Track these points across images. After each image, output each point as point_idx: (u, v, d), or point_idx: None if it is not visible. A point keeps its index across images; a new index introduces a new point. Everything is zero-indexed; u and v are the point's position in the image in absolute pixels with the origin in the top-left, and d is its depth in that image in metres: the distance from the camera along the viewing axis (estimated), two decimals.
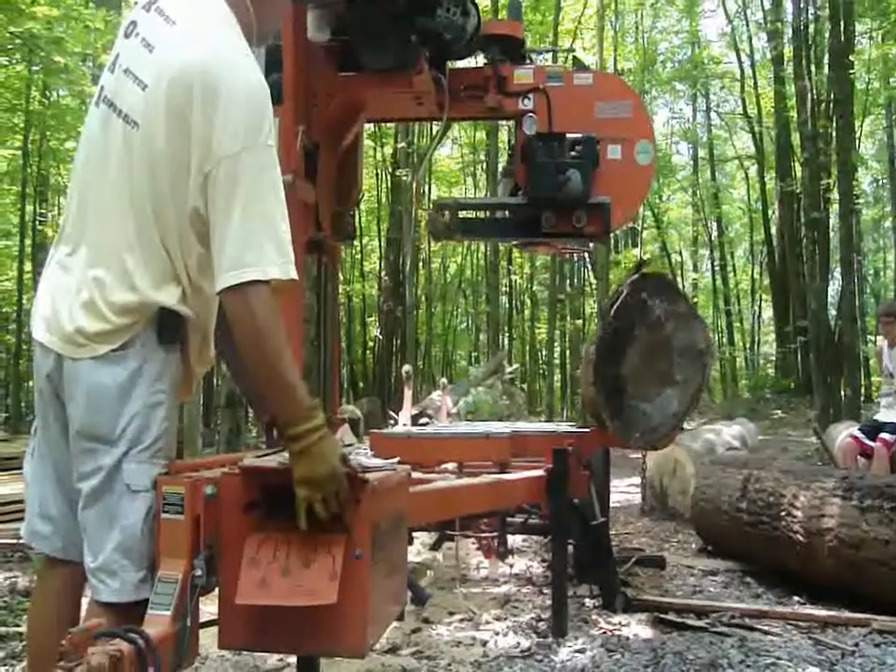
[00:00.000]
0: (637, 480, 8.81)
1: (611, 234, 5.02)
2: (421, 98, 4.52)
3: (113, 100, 2.12)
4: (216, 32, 2.09)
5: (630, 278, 4.69)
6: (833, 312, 21.07)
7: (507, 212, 4.94)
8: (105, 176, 2.11)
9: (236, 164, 1.98)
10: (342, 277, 27.76)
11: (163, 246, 2.08)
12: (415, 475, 3.49)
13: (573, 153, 4.58)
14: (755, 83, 26.96)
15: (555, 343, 27.91)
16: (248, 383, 3.03)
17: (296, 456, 2.00)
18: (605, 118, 4.63)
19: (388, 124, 23.21)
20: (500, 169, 6.13)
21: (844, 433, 8.24)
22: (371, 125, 25.62)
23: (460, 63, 5.11)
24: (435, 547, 5.88)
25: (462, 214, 4.91)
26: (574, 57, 5.94)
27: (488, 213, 5.24)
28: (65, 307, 2.09)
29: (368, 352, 29.25)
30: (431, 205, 5.24)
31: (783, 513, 5.16)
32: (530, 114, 4.64)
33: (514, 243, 5.70)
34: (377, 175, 27.65)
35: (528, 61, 4.95)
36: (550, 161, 4.56)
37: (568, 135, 4.60)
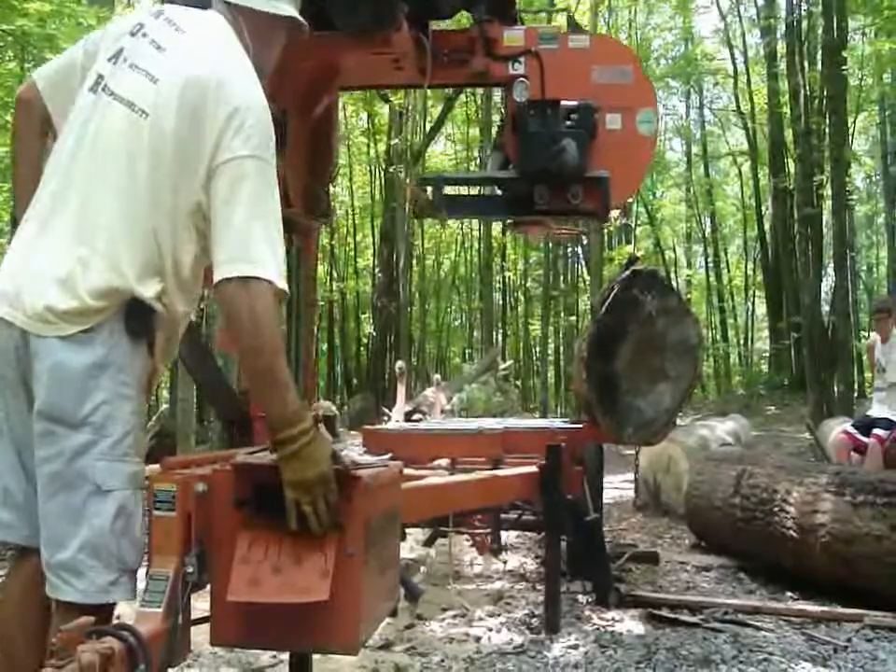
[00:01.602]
0: (631, 476, 8.82)
1: (610, 212, 4.65)
2: (400, 61, 4.17)
3: (115, 90, 2.12)
4: (229, 47, 2.18)
5: (621, 274, 4.67)
6: (826, 308, 21.10)
7: (496, 187, 4.63)
8: (98, 159, 2.09)
9: (244, 167, 2.03)
10: (334, 270, 27.78)
11: (155, 238, 2.06)
12: (408, 471, 3.49)
13: (568, 122, 4.25)
14: (748, 79, 26.93)
15: (549, 340, 27.89)
16: (212, 380, 3.04)
17: (286, 460, 1.99)
18: (603, 83, 4.30)
19: (382, 123, 23.24)
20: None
21: (837, 429, 8.26)
22: (365, 123, 25.63)
23: (445, 26, 4.74)
24: (428, 543, 5.88)
25: (448, 190, 4.59)
26: (569, 17, 5.41)
27: (479, 189, 4.95)
28: (34, 284, 2.03)
29: (361, 348, 29.22)
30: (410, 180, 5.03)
31: (776, 509, 5.16)
32: (521, 79, 4.30)
33: (506, 222, 5.32)
34: (371, 171, 27.65)
35: (520, 23, 4.57)
36: (543, 130, 4.22)
37: (563, 103, 4.26)
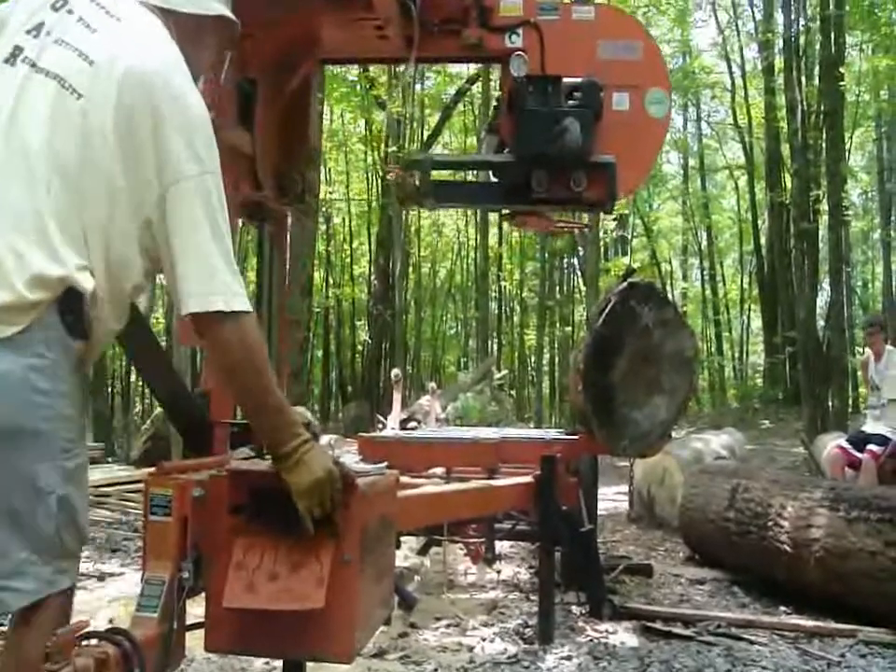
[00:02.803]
0: (625, 487, 8.82)
1: (616, 202, 4.22)
2: (385, 28, 3.78)
3: (38, 62, 1.89)
4: (169, 47, 1.98)
5: (618, 286, 4.66)
6: (821, 322, 21.15)
7: (491, 173, 4.28)
8: (18, 134, 1.85)
9: (200, 187, 1.89)
10: (330, 276, 27.78)
11: (84, 237, 1.86)
12: (403, 479, 3.49)
13: (571, 101, 3.89)
14: (746, 93, 27.04)
15: (544, 350, 27.96)
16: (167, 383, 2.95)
17: (291, 470, 1.97)
18: (610, 59, 3.93)
19: (379, 130, 23.24)
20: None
21: (831, 444, 8.26)
22: (363, 130, 25.64)
23: None
24: (423, 552, 5.87)
25: (436, 175, 4.21)
26: None
27: (474, 175, 4.65)
28: None
29: (357, 355, 29.24)
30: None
31: (770, 523, 5.16)
32: (518, 53, 3.89)
33: (502, 213, 4.89)
34: (367, 178, 27.69)
35: None
36: (542, 109, 3.85)
37: (565, 80, 3.90)
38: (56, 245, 1.80)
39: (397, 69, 17.25)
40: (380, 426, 11.92)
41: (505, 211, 4.72)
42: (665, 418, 4.59)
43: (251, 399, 1.99)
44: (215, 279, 1.88)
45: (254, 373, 1.93)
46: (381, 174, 24.36)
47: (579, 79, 3.90)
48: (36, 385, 1.79)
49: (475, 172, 5.71)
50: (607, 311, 4.51)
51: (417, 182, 4.05)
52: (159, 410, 13.57)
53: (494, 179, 4.31)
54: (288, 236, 4.24)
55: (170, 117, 1.87)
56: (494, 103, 4.56)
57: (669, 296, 4.90)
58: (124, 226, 1.89)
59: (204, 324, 1.89)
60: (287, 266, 4.08)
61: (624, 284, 4.59)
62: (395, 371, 11.21)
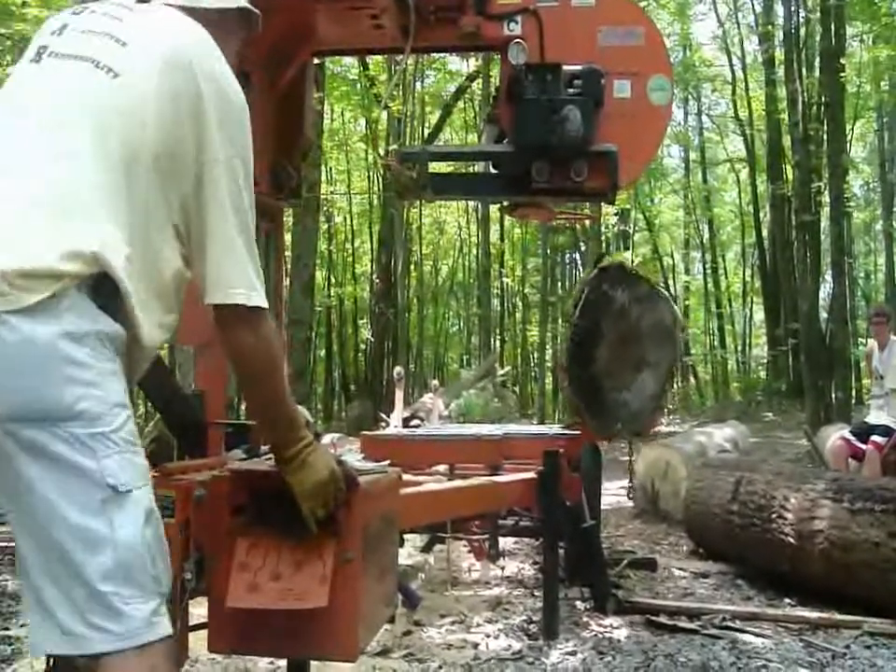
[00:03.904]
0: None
1: (618, 192, 4.17)
2: (380, 18, 3.73)
3: (65, 52, 1.84)
4: (203, 32, 1.94)
5: (589, 275, 4.66)
6: (824, 314, 21.13)
7: (490, 164, 4.22)
8: (54, 115, 1.77)
9: (231, 170, 1.86)
10: (332, 275, 27.78)
11: (123, 217, 1.73)
12: (406, 477, 3.49)
13: (571, 89, 3.82)
14: (746, 86, 27.00)
15: (547, 346, 27.92)
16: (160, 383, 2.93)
17: (295, 472, 1.97)
18: (611, 46, 3.86)
19: (381, 129, 23.21)
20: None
21: (835, 435, 8.25)
22: (364, 126, 25.65)
23: None
24: (426, 549, 5.87)
25: (434, 167, 4.17)
26: None
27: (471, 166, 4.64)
28: None
29: (359, 354, 29.24)
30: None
31: (774, 515, 5.16)
32: (517, 40, 3.82)
33: (503, 205, 4.82)
34: (369, 177, 27.67)
35: None
36: (542, 97, 3.79)
37: (566, 67, 3.83)
38: (95, 224, 1.67)
39: (395, 66, 17.27)
40: (383, 424, 11.94)
41: (505, 203, 4.64)
42: (654, 391, 4.61)
43: (261, 398, 1.98)
44: (237, 271, 1.85)
45: (267, 373, 1.92)
46: (381, 171, 24.34)
47: (579, 67, 3.83)
48: (76, 355, 1.56)
49: (478, 164, 5.67)
50: (581, 301, 4.52)
51: (415, 174, 4.00)
52: None
53: (493, 170, 4.24)
54: (286, 233, 4.20)
55: (209, 98, 1.84)
56: (493, 92, 4.48)
57: (637, 269, 4.82)
58: (160, 205, 1.82)
59: (223, 317, 1.86)
60: (284, 263, 4.02)
61: (595, 271, 4.60)
62: (397, 370, 11.22)
